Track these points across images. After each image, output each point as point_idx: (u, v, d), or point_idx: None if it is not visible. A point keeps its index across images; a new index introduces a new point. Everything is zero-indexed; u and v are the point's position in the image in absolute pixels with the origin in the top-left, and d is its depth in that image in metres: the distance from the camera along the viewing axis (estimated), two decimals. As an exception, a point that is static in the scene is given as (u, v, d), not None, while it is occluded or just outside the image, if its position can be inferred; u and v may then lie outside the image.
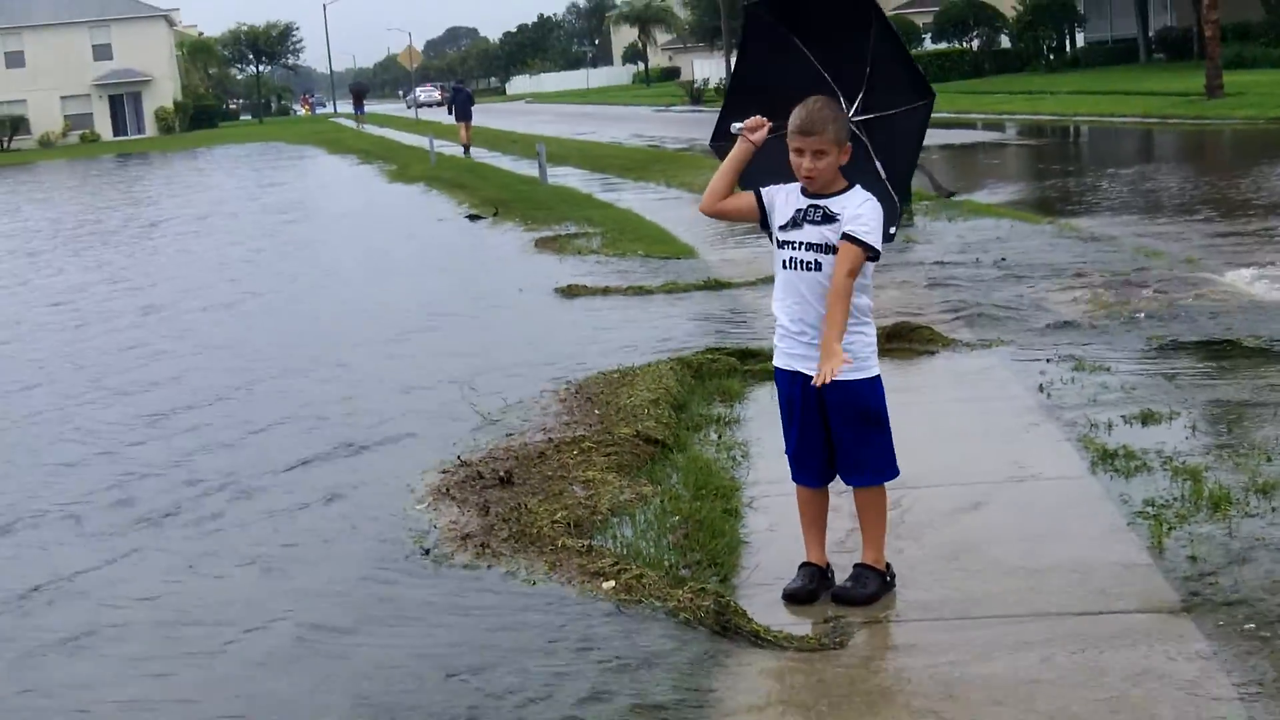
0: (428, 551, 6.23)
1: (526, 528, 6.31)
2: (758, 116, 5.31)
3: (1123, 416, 7.66)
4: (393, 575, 6.03)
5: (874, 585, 5.45)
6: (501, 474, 7.13)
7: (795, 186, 5.37)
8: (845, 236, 5.20)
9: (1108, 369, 8.82)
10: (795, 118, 5.21)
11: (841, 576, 5.54)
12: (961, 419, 8.02)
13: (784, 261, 5.38)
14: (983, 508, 6.45)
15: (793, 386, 5.44)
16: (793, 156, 5.26)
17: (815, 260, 5.27)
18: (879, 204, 5.29)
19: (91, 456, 8.72)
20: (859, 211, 5.22)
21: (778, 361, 5.53)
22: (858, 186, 5.31)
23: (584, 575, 5.70)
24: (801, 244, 5.30)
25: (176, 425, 9.36)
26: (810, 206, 5.30)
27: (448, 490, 7.07)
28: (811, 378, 5.20)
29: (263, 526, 6.99)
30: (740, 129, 5.30)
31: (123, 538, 6.98)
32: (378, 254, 19.08)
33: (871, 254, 5.24)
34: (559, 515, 6.42)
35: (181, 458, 8.49)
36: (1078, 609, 5.21)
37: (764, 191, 5.43)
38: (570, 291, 13.54)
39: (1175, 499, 6.24)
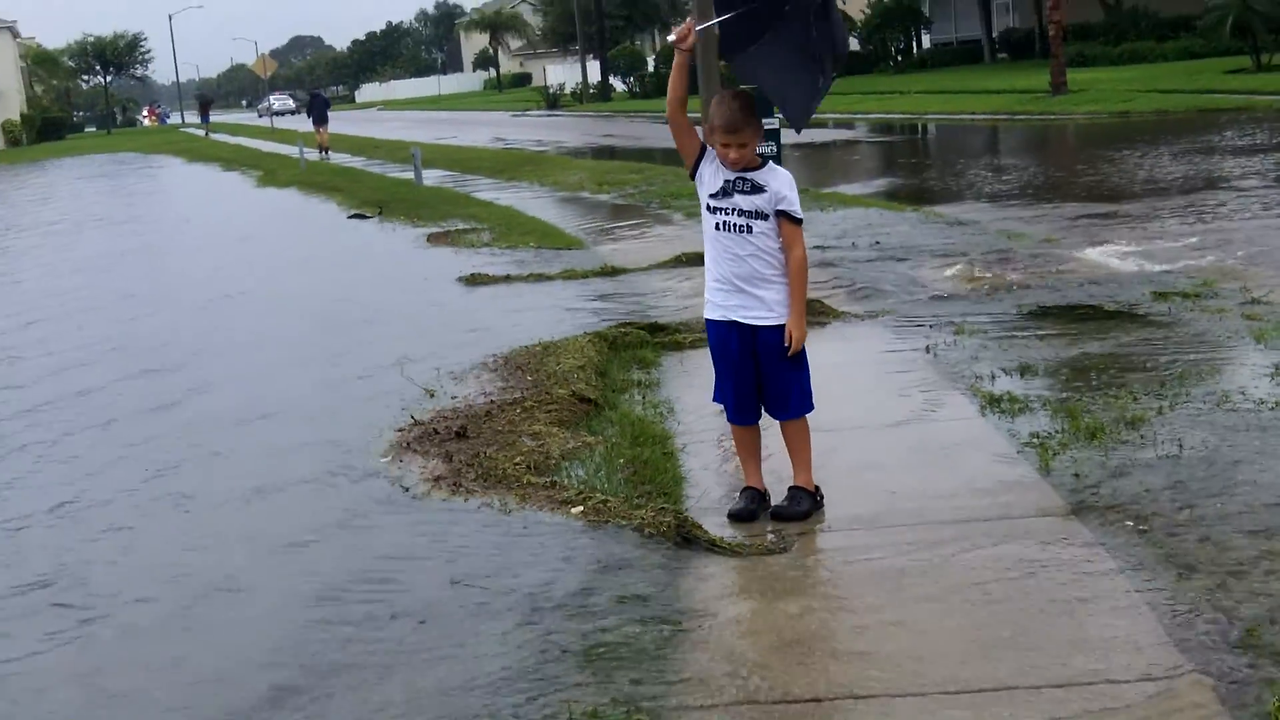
0: (407, 489, 6.95)
1: (491, 470, 7.05)
2: (683, 25, 6.12)
3: (1003, 369, 8.60)
4: (380, 510, 6.73)
5: (807, 503, 6.29)
6: (456, 429, 7.86)
7: (711, 156, 6.25)
8: (785, 216, 6.12)
9: (985, 331, 9.77)
10: (718, 117, 6.14)
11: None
12: (861, 376, 8.88)
13: (716, 225, 6.22)
14: (891, 444, 7.32)
15: (729, 333, 6.26)
16: (719, 150, 6.15)
17: (747, 224, 6.14)
18: (790, 175, 6.24)
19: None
20: (786, 193, 6.16)
21: (711, 315, 6.33)
22: (770, 163, 6.23)
23: (553, 504, 6.47)
24: (734, 210, 6.16)
25: (126, 435, 9.38)
26: (739, 179, 6.16)
27: (408, 445, 7.78)
28: (745, 324, 6.11)
29: (242, 484, 7.62)
30: (671, 40, 6.11)
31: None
32: (273, 253, 19.50)
33: (799, 223, 6.19)
34: (517, 460, 7.17)
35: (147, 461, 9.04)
36: (982, 516, 6.08)
37: (703, 157, 6.26)
38: (474, 280, 14.21)
39: (1057, 431, 7.15)
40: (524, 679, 4.71)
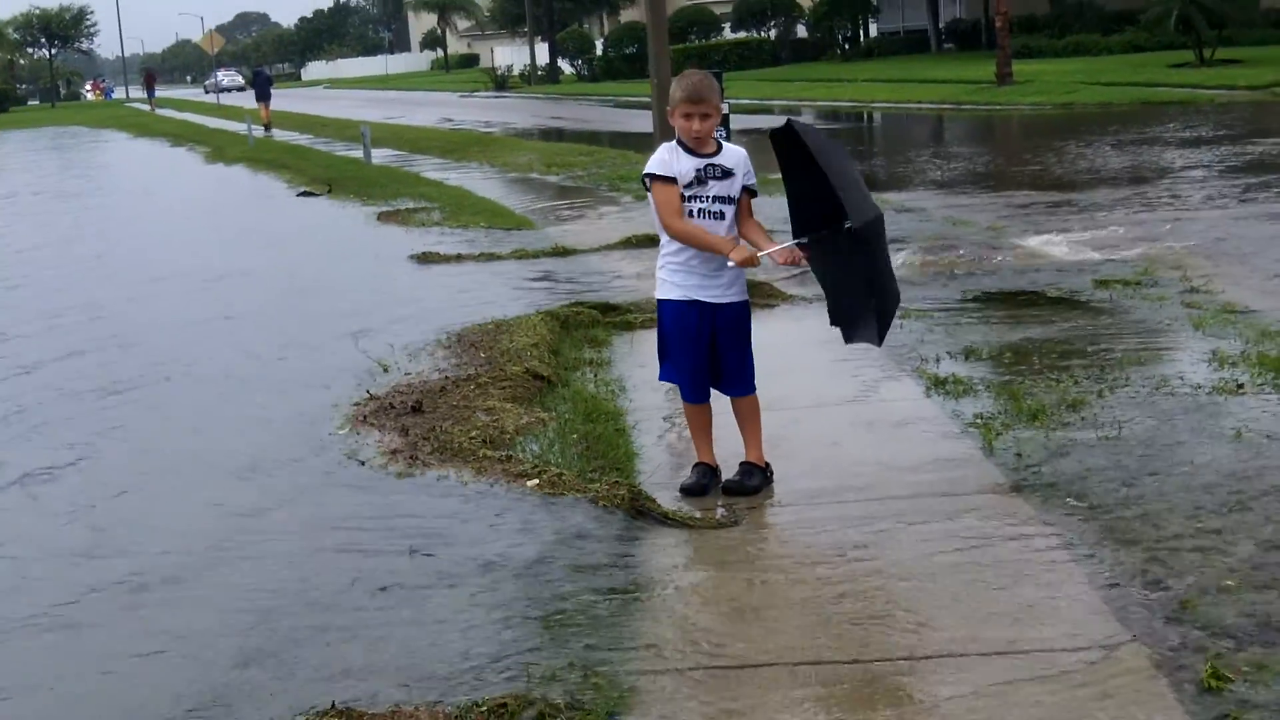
0: (364, 462, 7.06)
1: (446, 444, 7.17)
2: (747, 253, 6.29)
3: (948, 352, 8.79)
4: (336, 483, 6.84)
5: (758, 478, 6.45)
6: (411, 404, 7.97)
7: (674, 150, 6.38)
8: (747, 190, 6.42)
9: (930, 316, 9.96)
10: (680, 89, 6.29)
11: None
12: (809, 358, 9.03)
13: (691, 212, 6.35)
14: (839, 422, 7.49)
15: (689, 311, 6.39)
16: (681, 121, 6.29)
17: (720, 210, 6.35)
18: (744, 150, 6.50)
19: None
20: (749, 168, 6.42)
21: (669, 294, 6.47)
22: (725, 143, 6.41)
23: (509, 476, 6.60)
24: (709, 197, 6.35)
25: (79, 409, 9.36)
26: (709, 165, 6.33)
27: (364, 419, 7.89)
28: (706, 302, 6.31)
29: (198, 455, 7.71)
30: (732, 264, 6.28)
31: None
32: (223, 229, 19.45)
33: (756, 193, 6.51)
34: (473, 434, 7.29)
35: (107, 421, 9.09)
36: (927, 492, 6.26)
37: (663, 175, 6.37)
38: (425, 259, 14.29)
39: (1000, 413, 7.34)
40: (484, 644, 4.84)
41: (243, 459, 7.44)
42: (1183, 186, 17.12)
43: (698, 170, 6.31)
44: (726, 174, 6.32)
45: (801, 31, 71.42)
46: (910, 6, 69.20)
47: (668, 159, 6.36)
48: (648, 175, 6.40)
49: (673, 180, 6.31)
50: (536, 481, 6.48)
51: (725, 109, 12.72)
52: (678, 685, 4.51)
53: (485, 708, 4.30)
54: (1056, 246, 12.94)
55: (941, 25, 65.07)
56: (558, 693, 4.41)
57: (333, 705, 4.35)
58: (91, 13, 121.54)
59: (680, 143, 6.37)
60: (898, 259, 12.48)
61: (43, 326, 12.20)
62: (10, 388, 9.71)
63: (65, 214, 23.36)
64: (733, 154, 6.39)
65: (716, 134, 6.50)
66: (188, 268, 15.37)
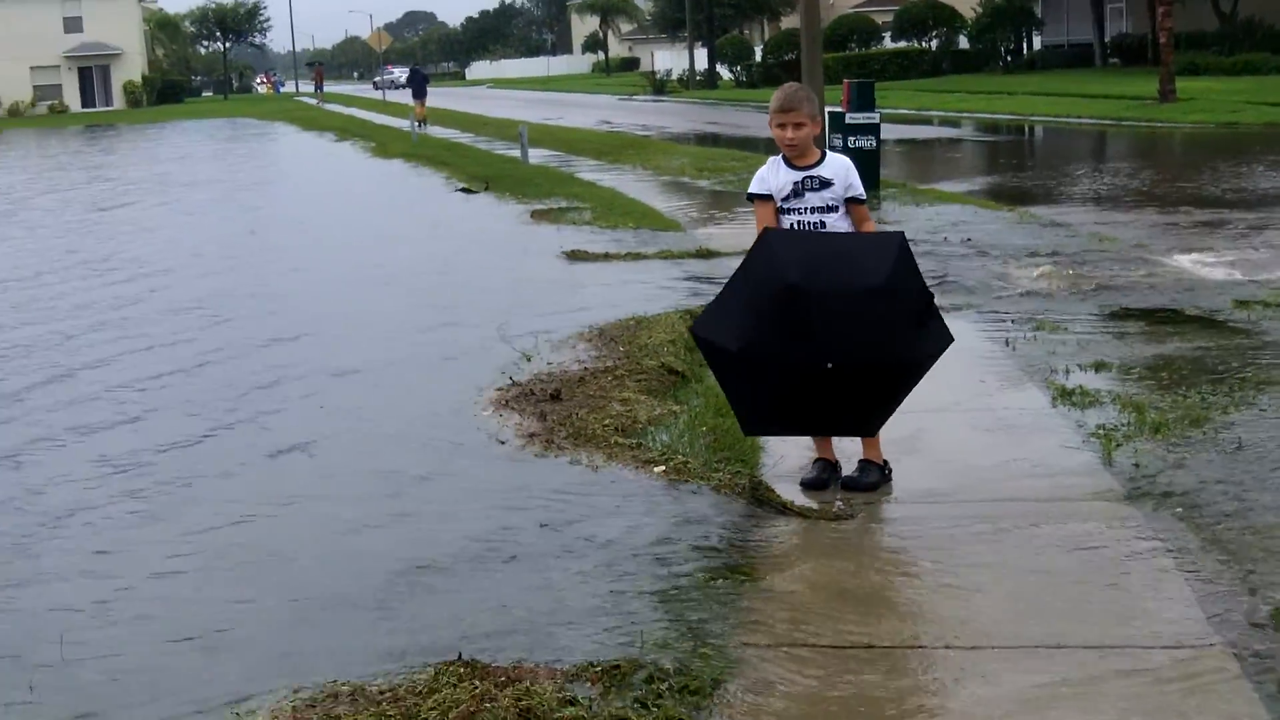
0: (504, 443, 7.46)
1: (581, 430, 7.53)
2: None
3: (1078, 365, 8.92)
4: (477, 460, 7.26)
5: (875, 475, 6.69)
6: (551, 392, 8.35)
7: (776, 165, 6.70)
8: (853, 200, 6.63)
9: (1065, 329, 10.09)
10: (774, 100, 6.65)
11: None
12: (939, 364, 9.21)
13: (792, 225, 6.64)
14: (961, 427, 7.71)
15: None
16: (776, 131, 6.64)
17: (820, 220, 6.62)
18: (851, 163, 6.75)
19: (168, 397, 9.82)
20: (851, 180, 6.63)
21: None
22: (830, 153, 6.70)
23: (638, 462, 6.94)
24: (807, 209, 6.62)
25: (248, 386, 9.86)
26: (807, 177, 6.62)
27: (506, 403, 8.30)
28: None
29: (354, 433, 8.20)
30: None
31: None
32: (387, 221, 20.21)
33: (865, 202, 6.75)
34: (606, 422, 7.64)
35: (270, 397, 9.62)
36: (1044, 497, 6.45)
37: (759, 193, 6.71)
38: (574, 256, 14.73)
39: (1123, 425, 7.49)
40: (602, 613, 5.16)
41: (392, 434, 7.95)
42: (1341, 212, 16.94)
43: (795, 183, 6.60)
44: (825, 184, 6.59)
45: (963, 42, 70.91)
46: (1075, 20, 68.41)
47: (766, 175, 6.69)
48: (748, 194, 6.71)
49: (768, 197, 6.59)
50: (663, 468, 6.79)
51: (876, 117, 13.05)
52: (781, 660, 4.78)
53: (599, 668, 4.61)
54: (1201, 266, 12.95)
55: (1107, 39, 64.27)
56: (668, 659, 4.71)
57: (459, 656, 4.70)
58: (265, 7, 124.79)
59: (783, 156, 6.65)
60: (1035, 271, 12.63)
61: (225, 313, 12.87)
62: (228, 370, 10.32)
63: (242, 206, 24.26)
64: (834, 164, 6.65)
65: (865, 141, 6.79)
66: (349, 259, 16.02)
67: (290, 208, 23.42)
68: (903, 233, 6.52)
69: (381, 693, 4.53)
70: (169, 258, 16.94)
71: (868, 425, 6.51)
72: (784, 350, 5.99)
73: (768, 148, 30.96)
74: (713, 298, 6.45)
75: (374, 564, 5.83)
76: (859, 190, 6.66)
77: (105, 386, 9.69)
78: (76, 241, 19.42)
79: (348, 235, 18.57)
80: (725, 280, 6.39)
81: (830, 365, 5.98)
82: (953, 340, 6.55)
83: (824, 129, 6.74)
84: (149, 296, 13.83)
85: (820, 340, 5.95)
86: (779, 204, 6.65)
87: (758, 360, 6.04)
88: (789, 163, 6.64)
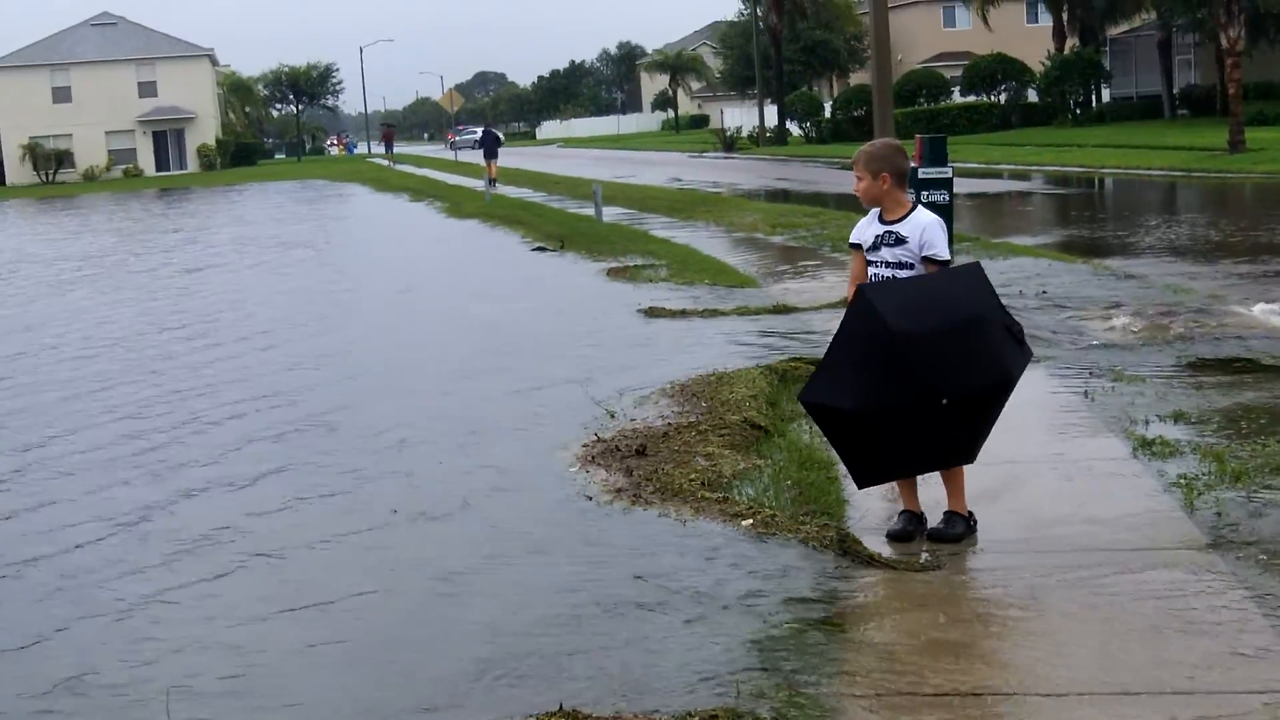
0: (591, 498, 7.62)
1: (667, 484, 7.68)
2: None
3: (1157, 415, 8.99)
4: (567, 516, 7.42)
5: (961, 526, 6.80)
6: (636, 447, 8.51)
7: (871, 216, 6.98)
8: (929, 261, 6.76)
9: (1143, 379, 10.15)
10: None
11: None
12: (1019, 416, 9.24)
13: (874, 276, 6.86)
14: (1043, 478, 7.80)
15: None
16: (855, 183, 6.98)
17: (892, 275, 6.79)
18: (937, 222, 6.87)
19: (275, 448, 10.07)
20: (928, 238, 6.79)
21: None
22: (919, 208, 6.87)
23: (725, 516, 7.07)
24: (882, 263, 6.84)
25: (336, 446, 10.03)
26: (885, 232, 6.84)
27: (592, 459, 8.47)
28: None
29: (446, 485, 8.40)
30: None
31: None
32: (465, 279, 20.52)
33: (945, 264, 6.82)
34: (692, 476, 7.79)
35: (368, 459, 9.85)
36: (1125, 546, 6.54)
37: (853, 242, 7.06)
38: (652, 313, 14.91)
39: (1203, 474, 7.56)
40: (696, 663, 5.29)
41: (482, 490, 8.13)
42: None
43: (876, 235, 6.83)
44: (900, 240, 6.76)
45: (1032, 96, 70.88)
46: (1144, 72, 68.33)
47: (861, 225, 6.98)
48: (849, 243, 6.98)
49: (859, 246, 6.82)
50: (750, 521, 6.93)
51: (949, 171, 13.11)
52: (877, 709, 4.90)
53: (698, 718, 4.74)
54: (1276, 315, 12.96)
55: (1176, 91, 64.09)
56: (765, 709, 4.83)
57: (560, 707, 4.85)
58: (337, 70, 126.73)
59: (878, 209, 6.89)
60: (1111, 322, 12.69)
61: (305, 363, 13.14)
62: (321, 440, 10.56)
63: (321, 264, 24.68)
64: (915, 221, 6.81)
65: (939, 195, 6.97)
66: (432, 318, 16.32)
67: (377, 268, 23.80)
68: (978, 261, 6.70)
69: (485, 740, 4.69)
70: (269, 318, 17.30)
71: (972, 452, 6.70)
72: (899, 398, 6.25)
73: (837, 203, 31.08)
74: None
75: (470, 615, 6.01)
76: (934, 250, 6.76)
77: (246, 438, 10.07)
78: (183, 303, 19.84)
79: (425, 296, 18.85)
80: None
81: (945, 401, 6.24)
82: (1032, 354, 6.93)
83: (898, 184, 6.88)
84: (260, 355, 14.22)
85: (932, 379, 6.23)
86: (866, 254, 6.84)
87: (874, 414, 6.28)
88: (880, 216, 6.83)
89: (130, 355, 14.82)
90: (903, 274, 6.74)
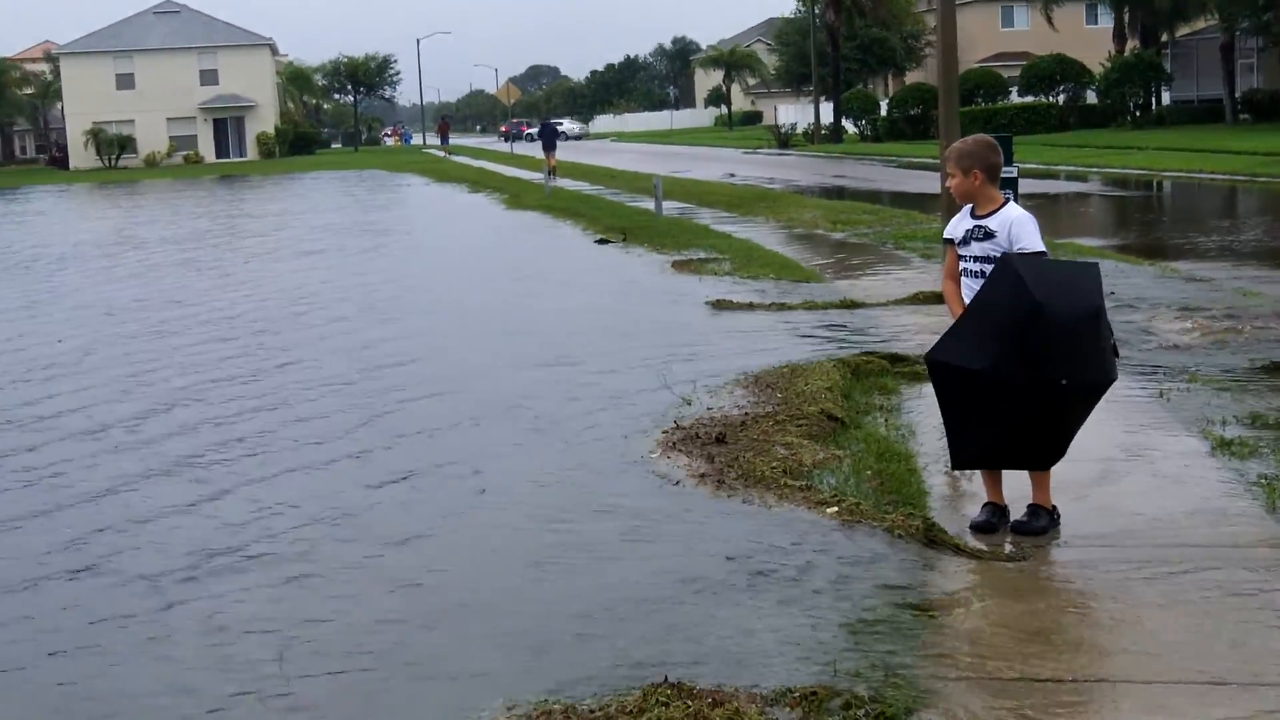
0: (677, 482, 7.74)
1: (750, 471, 7.78)
2: None
3: (1234, 416, 9.02)
4: (654, 501, 7.54)
5: (1045, 520, 6.87)
6: (715, 435, 8.62)
7: (964, 211, 7.07)
8: (1021, 254, 6.78)
9: (1217, 381, 10.17)
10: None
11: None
12: (1096, 414, 9.30)
13: (963, 270, 6.95)
14: (1125, 476, 7.85)
15: None
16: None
17: (981, 270, 6.86)
18: (1027, 217, 6.89)
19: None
20: (1017, 231, 6.81)
21: None
22: (1009, 203, 6.93)
23: (809, 503, 7.17)
24: (972, 258, 6.94)
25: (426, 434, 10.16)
26: (975, 226, 6.93)
27: (673, 445, 8.58)
28: None
29: (535, 464, 8.57)
30: None
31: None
32: (533, 270, 20.68)
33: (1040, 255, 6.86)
34: (773, 465, 7.88)
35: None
36: (1211, 542, 6.60)
37: (947, 237, 7.19)
38: (720, 305, 15.03)
39: (1283, 474, 7.62)
40: (792, 643, 5.40)
41: (567, 475, 8.27)
42: None
43: (966, 230, 6.92)
44: (988, 235, 6.83)
45: (1090, 98, 70.52)
46: (1205, 75, 67.87)
47: (954, 220, 7.05)
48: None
49: (952, 241, 6.92)
50: (835, 509, 7.02)
51: (1014, 171, 13.15)
52: (970, 691, 4.99)
53: (797, 694, 4.85)
54: (1349, 322, 12.93)
55: (1238, 94, 63.63)
56: (862, 687, 4.94)
57: (665, 679, 4.97)
58: (395, 61, 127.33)
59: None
60: (1182, 324, 12.70)
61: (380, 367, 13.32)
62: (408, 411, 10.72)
63: (386, 256, 24.87)
64: (1003, 217, 6.86)
65: (1004, 195, 7.01)
66: (504, 307, 16.49)
67: (437, 259, 23.99)
68: (1097, 262, 6.77)
69: (592, 711, 4.81)
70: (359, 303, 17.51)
71: (1060, 450, 6.79)
72: (1025, 369, 6.34)
73: (893, 201, 31.07)
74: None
75: (572, 593, 6.17)
76: (1024, 244, 6.76)
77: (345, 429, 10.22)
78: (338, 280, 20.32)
79: (497, 285, 18.99)
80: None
81: (1064, 382, 6.37)
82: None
83: (990, 180, 6.95)
84: (361, 344, 14.42)
85: (1056, 359, 6.33)
86: (958, 249, 6.93)
87: (1000, 379, 6.38)
88: (972, 211, 6.92)
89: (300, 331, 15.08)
90: (988, 269, 6.80)
